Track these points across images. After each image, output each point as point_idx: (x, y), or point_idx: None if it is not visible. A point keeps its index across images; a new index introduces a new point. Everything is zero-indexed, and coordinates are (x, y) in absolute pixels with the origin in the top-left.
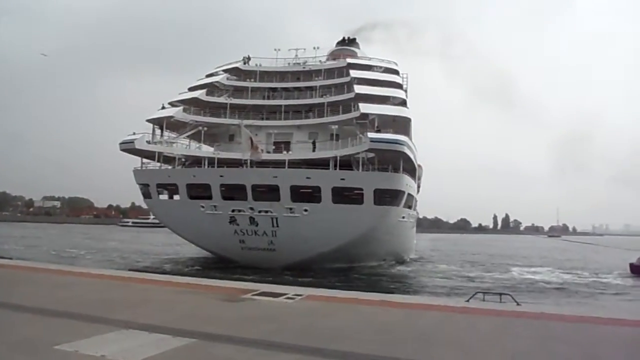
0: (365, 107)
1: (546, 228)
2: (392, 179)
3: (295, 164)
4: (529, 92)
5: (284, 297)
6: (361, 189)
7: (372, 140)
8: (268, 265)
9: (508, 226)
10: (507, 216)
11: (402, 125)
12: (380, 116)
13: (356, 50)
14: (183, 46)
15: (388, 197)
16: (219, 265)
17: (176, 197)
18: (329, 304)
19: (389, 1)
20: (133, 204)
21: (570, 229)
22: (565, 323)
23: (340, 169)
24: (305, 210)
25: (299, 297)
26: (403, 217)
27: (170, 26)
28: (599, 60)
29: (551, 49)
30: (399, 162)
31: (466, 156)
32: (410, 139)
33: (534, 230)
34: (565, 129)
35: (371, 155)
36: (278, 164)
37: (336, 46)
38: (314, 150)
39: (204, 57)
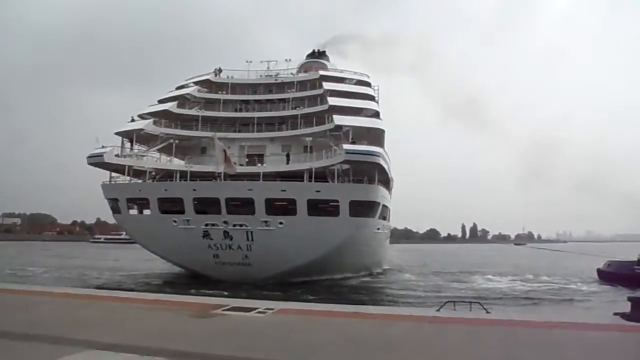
0: (339, 119)
1: (513, 236)
2: (368, 191)
3: (270, 176)
4: (497, 107)
5: (255, 311)
6: (337, 201)
7: (348, 152)
8: (243, 280)
9: (476, 235)
10: (475, 225)
11: (376, 136)
12: (354, 128)
13: (326, 62)
14: (150, 59)
15: (363, 208)
16: (191, 281)
17: (146, 212)
18: (302, 317)
19: (360, 16)
20: (98, 219)
21: (536, 236)
22: (533, 329)
23: (315, 181)
24: (281, 223)
25: (271, 311)
26: (378, 229)
27: (136, 39)
28: (561, 73)
29: (517, 64)
30: (374, 173)
31: (435, 168)
32: (384, 151)
33: (501, 238)
34: (531, 142)
35: (346, 167)
36: (252, 177)
37: (306, 59)
38: (287, 163)
39: (172, 71)
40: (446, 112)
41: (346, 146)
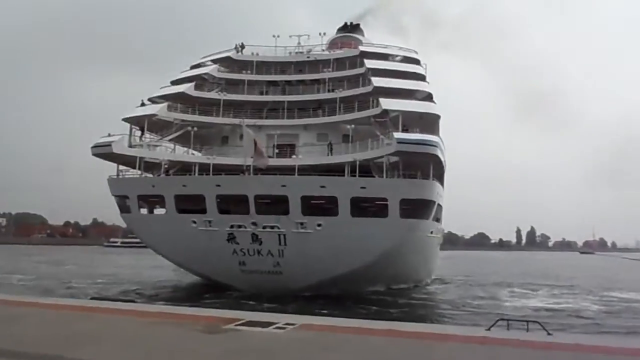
0: (387, 103)
1: (580, 243)
2: (423, 187)
3: (303, 171)
4: (569, 97)
5: (274, 326)
6: (385, 199)
7: (400, 142)
8: (273, 291)
9: (534, 242)
10: (532, 230)
11: (430, 123)
12: (404, 113)
13: (360, 37)
14: (154, 36)
15: (416, 208)
16: (209, 292)
17: (158, 211)
18: (327, 334)
19: None
20: (95, 220)
21: (609, 244)
22: (607, 356)
23: (354, 176)
24: (319, 225)
25: (291, 327)
26: (431, 232)
27: (136, 13)
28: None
29: (594, 54)
30: (428, 167)
31: (485, 162)
32: (441, 139)
33: (565, 245)
34: (608, 136)
35: (395, 159)
36: (283, 171)
37: (337, 33)
38: (330, 154)
39: (178, 49)
40: (511, 101)
41: (398, 135)
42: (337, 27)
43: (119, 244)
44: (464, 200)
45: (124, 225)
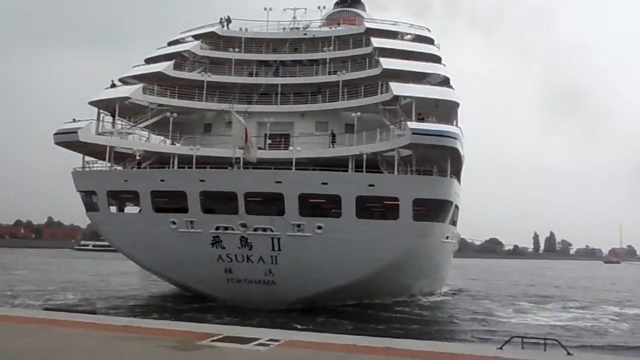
0: (398, 88)
1: (605, 251)
2: (439, 185)
3: (300, 165)
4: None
5: (255, 343)
6: (395, 199)
7: (415, 132)
8: (263, 304)
9: (553, 248)
10: (552, 235)
11: (447, 111)
12: (418, 99)
13: (361, 13)
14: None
15: (431, 209)
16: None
17: (128, 209)
18: (317, 352)
19: None
20: (50, 219)
21: (639, 252)
22: None
23: (360, 171)
24: (319, 228)
25: (275, 344)
26: (447, 237)
27: None
28: None
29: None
30: (446, 161)
31: (500, 160)
32: (460, 130)
33: (589, 254)
34: None
35: (407, 152)
36: (277, 165)
37: (335, 7)
38: (332, 145)
39: (146, 27)
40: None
41: (413, 124)
42: (335, 1)
43: (90, 246)
44: (474, 201)
45: (83, 225)
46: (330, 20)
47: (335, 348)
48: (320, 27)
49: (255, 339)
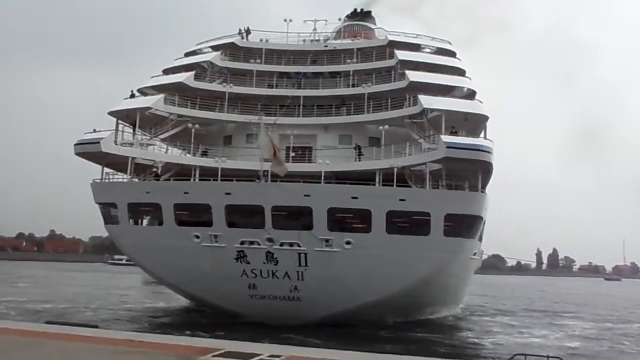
0: (428, 101)
1: (609, 269)
2: (472, 201)
3: (325, 178)
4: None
5: (256, 358)
6: (427, 214)
7: (450, 147)
8: (288, 321)
9: (556, 265)
10: (555, 252)
11: (475, 126)
12: (448, 113)
13: (372, 27)
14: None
15: (462, 225)
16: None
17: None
18: None
19: None
20: (52, 232)
21: None
22: None
23: (388, 185)
24: (348, 243)
25: (277, 359)
26: (474, 254)
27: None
28: None
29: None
30: (476, 176)
31: (503, 176)
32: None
33: (592, 270)
34: None
35: (436, 167)
36: (301, 179)
37: (346, 21)
38: (358, 159)
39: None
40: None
41: (447, 138)
42: (345, 15)
43: (123, 261)
44: None
45: (85, 239)
46: (343, 32)
47: None
48: (327, 40)
49: (257, 355)
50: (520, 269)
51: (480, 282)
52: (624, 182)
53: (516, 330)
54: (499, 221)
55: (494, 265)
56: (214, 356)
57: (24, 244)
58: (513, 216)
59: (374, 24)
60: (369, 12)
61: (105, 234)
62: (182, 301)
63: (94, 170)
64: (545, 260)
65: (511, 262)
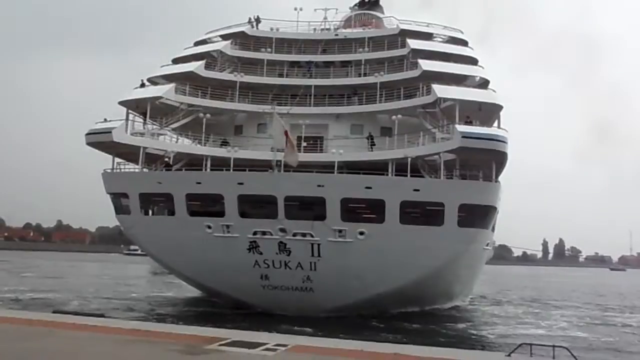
0: (442, 90)
1: (615, 259)
2: (486, 191)
3: (338, 168)
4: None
5: (262, 348)
6: (441, 204)
7: (466, 136)
8: (300, 312)
9: (562, 255)
10: (561, 242)
11: (489, 115)
12: (462, 102)
13: (380, 15)
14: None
15: (476, 216)
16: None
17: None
18: (325, 358)
19: None
20: (60, 222)
21: None
22: None
23: (401, 175)
24: (361, 234)
25: (283, 349)
26: (487, 245)
27: None
28: None
29: None
30: (490, 166)
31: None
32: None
33: (599, 261)
34: None
35: (450, 157)
36: (313, 169)
37: (353, 9)
38: (371, 149)
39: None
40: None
41: (462, 128)
42: (352, 4)
43: (139, 251)
44: None
45: (92, 229)
46: (351, 21)
47: (342, 354)
48: (337, 29)
49: (263, 344)
50: (526, 259)
51: (487, 272)
52: (632, 174)
53: (521, 321)
54: (505, 211)
55: (500, 255)
56: (220, 345)
57: (31, 234)
58: (519, 206)
59: (382, 12)
60: (377, 1)
61: (112, 224)
62: (191, 291)
63: (97, 161)
64: (551, 251)
65: (517, 252)
